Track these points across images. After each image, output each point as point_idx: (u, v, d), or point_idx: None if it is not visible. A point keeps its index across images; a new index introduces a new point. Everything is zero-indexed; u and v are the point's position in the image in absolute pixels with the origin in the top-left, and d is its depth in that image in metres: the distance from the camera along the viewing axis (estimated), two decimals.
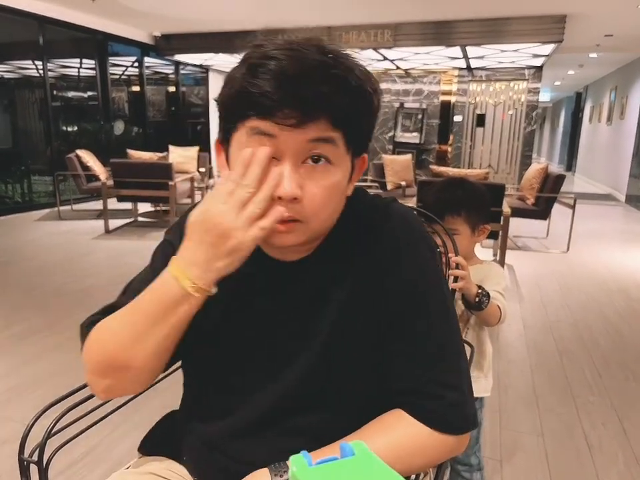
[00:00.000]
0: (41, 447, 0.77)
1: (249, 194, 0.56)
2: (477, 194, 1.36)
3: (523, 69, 8.60)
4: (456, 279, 1.13)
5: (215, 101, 0.63)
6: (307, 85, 0.55)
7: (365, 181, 6.82)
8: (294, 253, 0.68)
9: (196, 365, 0.76)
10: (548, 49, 6.87)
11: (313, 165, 0.59)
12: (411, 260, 0.67)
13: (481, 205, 1.36)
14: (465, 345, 1.22)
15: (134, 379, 0.68)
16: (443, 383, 0.66)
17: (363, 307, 0.66)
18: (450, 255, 1.13)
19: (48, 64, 6.65)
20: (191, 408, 0.79)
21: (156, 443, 0.84)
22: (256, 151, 0.56)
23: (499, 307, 1.25)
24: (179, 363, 1.06)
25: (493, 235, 4.12)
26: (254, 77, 0.56)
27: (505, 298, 1.30)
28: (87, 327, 0.71)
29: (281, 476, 0.60)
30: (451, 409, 0.65)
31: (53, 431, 0.80)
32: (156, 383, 1.05)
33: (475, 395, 1.33)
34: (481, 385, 1.36)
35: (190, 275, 0.59)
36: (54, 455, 0.82)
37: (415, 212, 1.04)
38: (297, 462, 0.40)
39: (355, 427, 0.66)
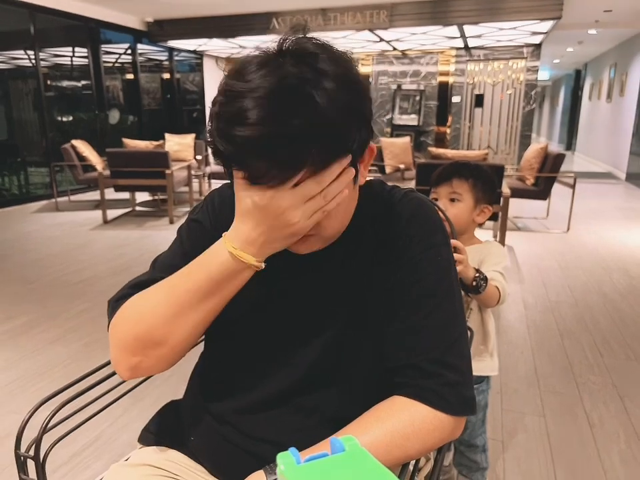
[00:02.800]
0: (37, 441, 0.77)
1: (323, 204, 0.59)
2: (487, 174, 1.39)
3: (522, 47, 8.49)
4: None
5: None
6: (277, 152, 0.54)
7: None
8: (334, 238, 0.71)
9: (217, 341, 0.78)
10: (546, 26, 6.77)
11: None
12: (425, 242, 0.70)
13: (488, 182, 1.37)
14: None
15: (166, 357, 0.68)
16: (442, 362, 0.66)
17: (377, 291, 0.70)
18: None
19: (40, 53, 6.57)
20: (204, 384, 0.81)
21: (156, 433, 0.84)
22: (345, 171, 0.60)
23: (497, 288, 1.24)
24: None
25: (492, 217, 4.10)
26: (224, 143, 0.56)
27: (506, 278, 1.29)
28: (116, 301, 0.72)
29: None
30: (449, 387, 0.66)
31: (50, 424, 0.80)
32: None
33: (482, 373, 1.35)
34: (487, 364, 1.36)
35: (246, 252, 0.61)
36: (51, 449, 0.81)
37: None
38: (284, 460, 0.39)
39: (366, 406, 0.67)
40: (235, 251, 0.61)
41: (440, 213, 1.10)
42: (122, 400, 0.97)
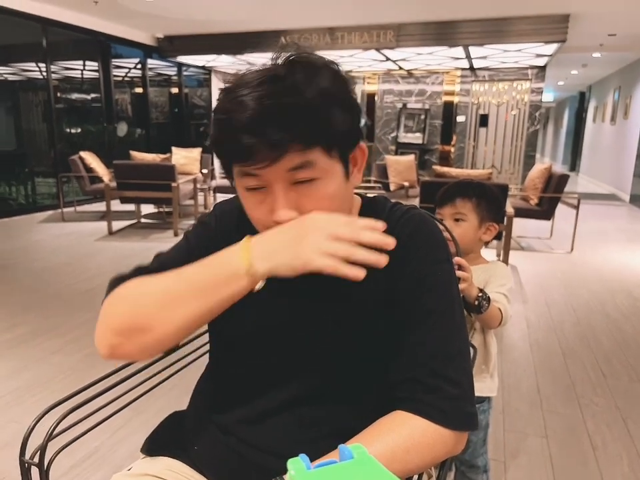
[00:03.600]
0: (42, 449, 0.78)
1: (345, 253, 0.57)
2: (491, 192, 1.39)
3: (526, 68, 8.57)
4: (458, 280, 1.12)
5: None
6: (265, 130, 0.59)
7: (369, 182, 6.81)
8: None
9: (221, 353, 0.80)
10: (551, 48, 6.85)
11: (303, 184, 0.63)
12: (425, 257, 0.71)
13: (493, 201, 1.37)
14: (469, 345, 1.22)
15: (147, 345, 0.67)
16: (442, 376, 0.67)
17: (374, 302, 0.71)
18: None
19: (51, 66, 6.67)
20: (208, 395, 0.82)
21: (159, 443, 0.84)
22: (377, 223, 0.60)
23: (500, 310, 1.24)
24: (182, 362, 1.07)
25: (496, 236, 4.09)
26: (221, 131, 0.63)
27: (510, 300, 1.29)
28: (117, 279, 0.74)
29: None
30: (449, 401, 0.66)
31: (54, 433, 0.80)
32: (158, 384, 1.06)
33: (482, 394, 1.34)
34: (487, 384, 1.35)
35: (257, 255, 0.60)
36: (55, 457, 0.82)
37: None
38: (295, 465, 0.40)
39: (368, 418, 0.67)
40: (248, 253, 0.61)
41: (446, 231, 1.12)
42: (123, 411, 0.97)
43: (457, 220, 1.33)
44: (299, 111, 0.60)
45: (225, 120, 0.61)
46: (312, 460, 0.62)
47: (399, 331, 0.70)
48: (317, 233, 0.58)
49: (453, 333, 0.70)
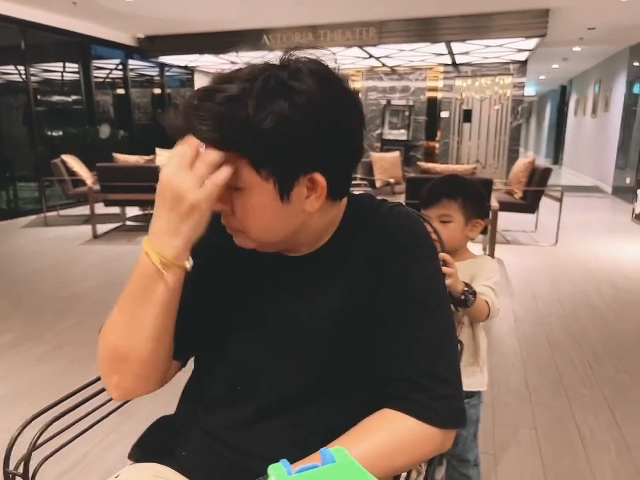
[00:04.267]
0: (26, 459, 0.76)
1: (194, 153, 0.60)
2: (475, 188, 1.38)
3: (508, 63, 8.65)
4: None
5: None
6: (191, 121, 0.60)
7: (355, 179, 6.82)
8: (304, 247, 0.73)
9: (206, 356, 0.79)
10: (532, 43, 6.92)
11: (235, 190, 0.64)
12: (411, 255, 0.71)
13: (477, 198, 1.36)
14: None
15: (139, 373, 0.69)
16: (432, 375, 0.67)
17: (362, 300, 0.70)
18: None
19: (30, 68, 6.57)
20: (195, 400, 0.81)
21: (146, 449, 0.83)
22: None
23: (487, 303, 1.24)
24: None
25: (482, 230, 4.13)
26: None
27: (497, 293, 1.29)
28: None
29: None
30: (440, 401, 0.66)
31: (39, 441, 0.79)
32: None
33: (472, 389, 1.35)
34: (477, 379, 1.36)
35: (158, 247, 0.62)
36: (40, 466, 0.80)
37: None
38: (275, 471, 0.39)
39: (358, 418, 0.67)
40: (150, 250, 0.62)
41: (431, 230, 1.12)
42: (112, 417, 0.96)
43: (443, 222, 1.33)
44: (220, 115, 0.59)
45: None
46: (299, 460, 0.61)
47: (387, 328, 0.70)
48: (175, 178, 0.60)
49: (442, 331, 0.70)
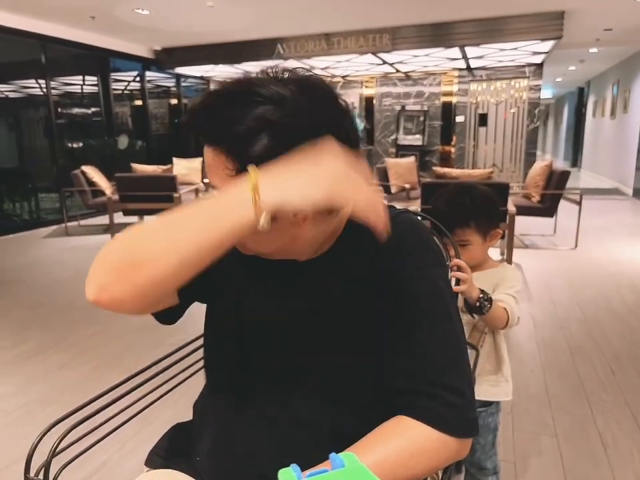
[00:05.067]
0: (46, 465, 0.78)
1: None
2: (484, 202, 1.32)
3: (523, 66, 8.57)
4: (458, 282, 1.12)
5: None
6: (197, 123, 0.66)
7: None
8: (304, 256, 0.73)
9: (214, 352, 0.80)
10: (547, 45, 6.85)
11: None
12: (415, 263, 0.70)
13: (490, 212, 1.33)
14: (470, 346, 1.22)
15: (138, 285, 0.58)
16: (442, 384, 0.66)
17: (364, 304, 0.70)
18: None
19: (51, 82, 6.73)
20: (207, 405, 0.82)
21: (163, 456, 0.84)
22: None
23: (506, 310, 1.22)
24: (189, 371, 1.07)
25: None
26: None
27: (518, 301, 1.27)
28: None
29: None
30: (450, 409, 0.65)
31: (59, 448, 0.80)
32: (165, 394, 1.06)
33: (498, 398, 1.33)
34: (502, 388, 1.34)
35: (264, 181, 0.55)
36: (60, 472, 0.82)
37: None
38: (286, 476, 0.40)
39: (361, 422, 0.67)
40: (254, 175, 0.55)
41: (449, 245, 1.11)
42: (131, 423, 0.97)
43: (462, 245, 1.28)
44: (213, 116, 0.62)
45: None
46: (308, 467, 0.62)
47: (394, 338, 0.69)
48: (337, 167, 0.56)
49: (451, 339, 0.70)
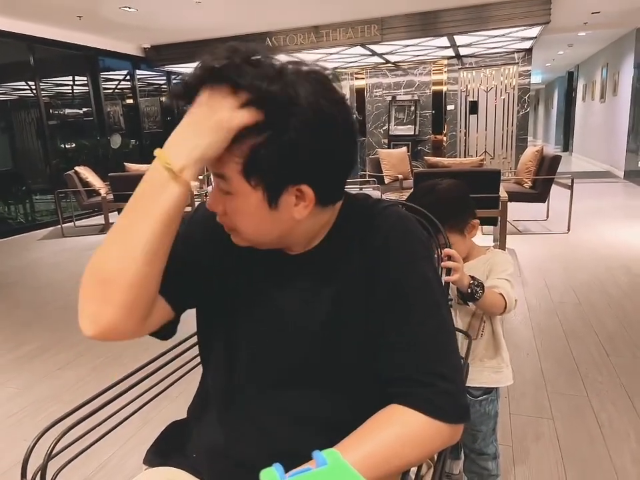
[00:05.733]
0: (43, 468, 0.77)
1: None
2: (449, 200, 1.30)
3: (512, 52, 8.56)
4: (449, 272, 1.13)
5: None
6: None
7: (364, 176, 6.82)
8: (297, 247, 0.74)
9: (209, 357, 0.81)
10: (535, 31, 6.84)
11: (225, 193, 0.66)
12: (403, 255, 0.71)
13: (459, 208, 1.31)
14: (464, 334, 1.23)
15: (119, 301, 0.62)
16: (434, 372, 0.68)
17: (355, 299, 0.71)
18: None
19: (41, 83, 6.68)
20: (201, 402, 0.83)
21: (160, 454, 0.86)
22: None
23: (502, 295, 1.22)
24: (187, 367, 1.08)
25: (492, 221, 4.12)
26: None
27: (513, 285, 1.27)
28: None
29: None
30: (443, 396, 0.67)
31: (56, 450, 0.80)
32: (163, 391, 1.07)
33: (500, 385, 1.35)
34: (504, 374, 1.36)
35: (168, 155, 0.61)
36: (56, 475, 0.82)
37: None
38: (268, 476, 0.41)
39: (358, 413, 0.68)
40: (160, 154, 0.61)
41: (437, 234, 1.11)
42: (131, 421, 0.98)
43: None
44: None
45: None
46: (304, 456, 0.63)
47: (386, 330, 0.70)
48: (213, 101, 0.60)
49: (441, 328, 0.71)
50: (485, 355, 1.35)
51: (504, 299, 1.22)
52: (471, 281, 1.15)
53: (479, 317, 1.34)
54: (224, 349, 0.78)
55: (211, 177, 0.68)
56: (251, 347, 0.76)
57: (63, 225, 6.21)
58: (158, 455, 0.85)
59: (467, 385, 1.32)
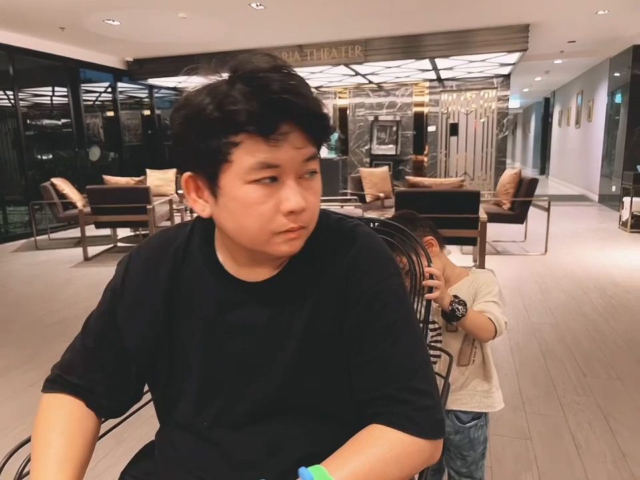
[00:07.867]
0: None
1: None
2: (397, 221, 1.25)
3: (492, 77, 8.80)
4: (431, 290, 1.12)
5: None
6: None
7: (345, 194, 6.86)
8: (264, 272, 0.72)
9: (171, 379, 0.77)
10: (514, 57, 7.05)
11: (309, 178, 0.66)
12: (375, 277, 0.71)
13: (405, 233, 1.24)
14: (444, 354, 1.22)
15: None
16: (411, 388, 0.67)
17: (327, 322, 0.70)
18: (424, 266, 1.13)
19: (19, 93, 6.59)
20: (166, 424, 0.81)
21: (134, 476, 0.83)
22: None
23: (491, 320, 1.20)
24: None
25: (472, 241, 4.17)
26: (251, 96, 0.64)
27: (501, 305, 1.25)
28: (49, 381, 0.77)
29: None
30: (422, 412, 0.67)
31: (26, 470, 0.76)
32: (137, 409, 1.04)
33: (492, 409, 1.32)
34: (495, 398, 1.34)
35: None
36: None
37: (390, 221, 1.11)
38: None
39: (337, 433, 0.68)
40: None
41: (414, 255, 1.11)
42: (105, 441, 0.95)
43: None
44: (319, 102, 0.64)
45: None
46: None
47: (360, 349, 0.70)
48: None
49: (415, 344, 0.71)
50: (477, 381, 1.34)
51: (493, 323, 1.20)
52: (452, 299, 1.15)
53: (470, 343, 1.32)
54: (194, 387, 0.75)
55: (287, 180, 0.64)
56: (224, 380, 0.73)
57: (37, 237, 6.08)
58: (132, 476, 0.83)
59: (458, 409, 1.31)
